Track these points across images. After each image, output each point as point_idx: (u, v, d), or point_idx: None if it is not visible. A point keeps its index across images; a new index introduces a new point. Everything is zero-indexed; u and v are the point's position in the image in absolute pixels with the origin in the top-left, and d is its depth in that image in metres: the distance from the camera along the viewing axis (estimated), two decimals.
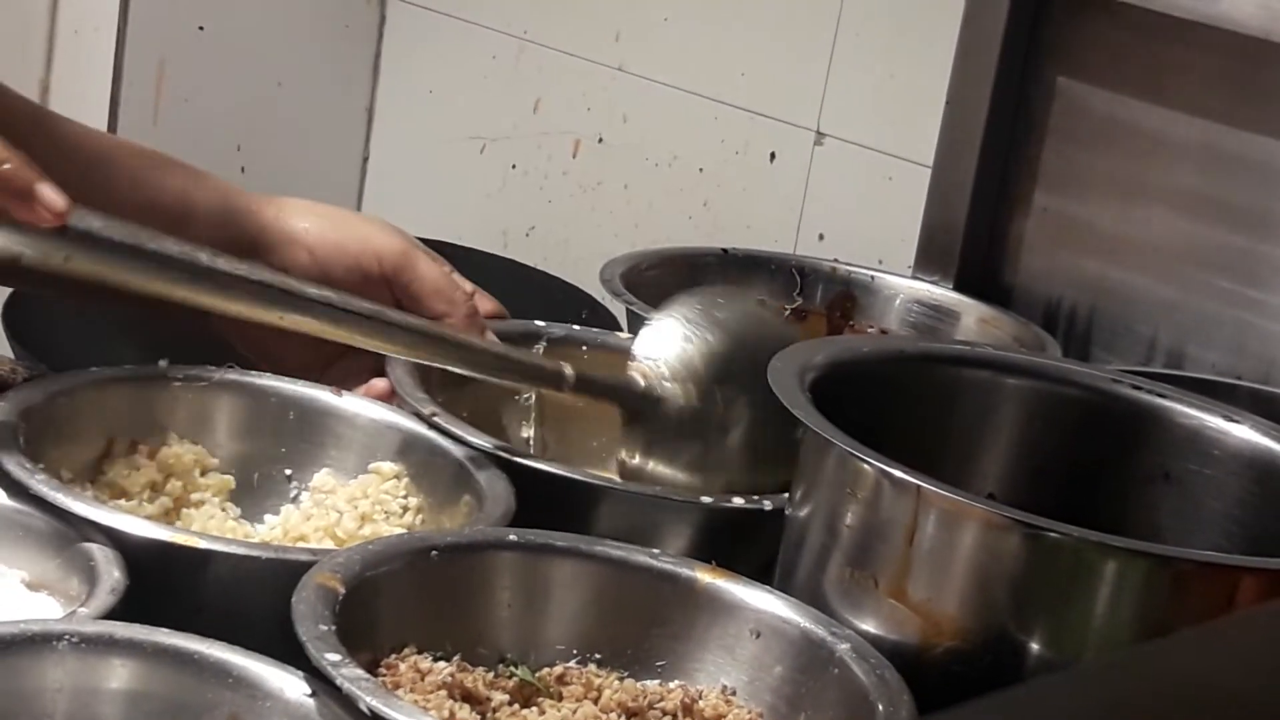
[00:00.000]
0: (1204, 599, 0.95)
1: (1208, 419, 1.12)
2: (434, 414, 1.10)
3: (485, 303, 1.24)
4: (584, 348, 1.24)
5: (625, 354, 1.18)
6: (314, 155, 2.15)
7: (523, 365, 1.14)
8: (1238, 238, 1.42)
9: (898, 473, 0.96)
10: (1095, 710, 0.55)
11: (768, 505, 1.09)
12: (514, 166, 2.03)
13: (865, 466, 0.98)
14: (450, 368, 1.11)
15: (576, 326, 1.29)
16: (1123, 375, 1.16)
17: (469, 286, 1.23)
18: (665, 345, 1.16)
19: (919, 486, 0.96)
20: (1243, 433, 1.11)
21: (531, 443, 1.23)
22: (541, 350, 1.24)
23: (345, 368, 1.18)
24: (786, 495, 1.08)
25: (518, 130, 2.03)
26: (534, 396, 1.23)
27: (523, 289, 1.71)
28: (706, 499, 1.10)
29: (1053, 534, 0.94)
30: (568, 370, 1.13)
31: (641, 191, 1.92)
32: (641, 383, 1.14)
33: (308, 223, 1.20)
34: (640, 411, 1.14)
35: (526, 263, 1.91)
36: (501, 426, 1.21)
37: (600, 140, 1.95)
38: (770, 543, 1.07)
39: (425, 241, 1.60)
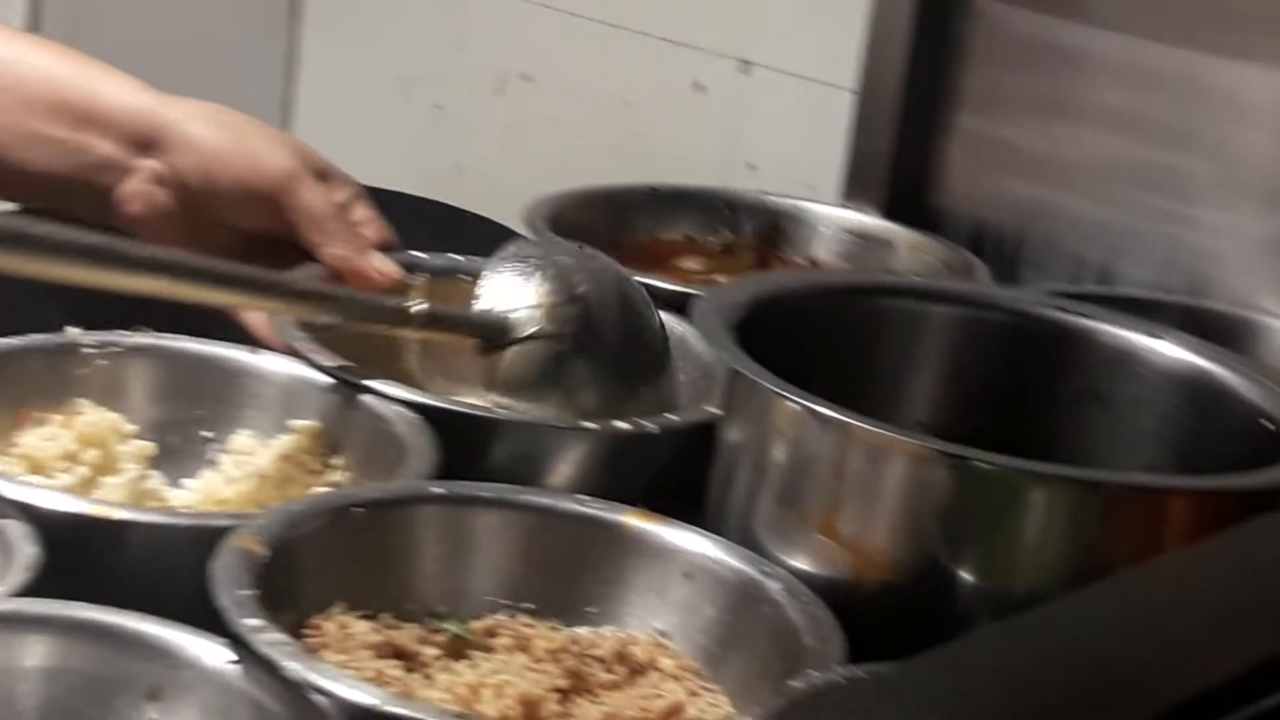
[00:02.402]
0: (1134, 521, 0.94)
1: (1134, 338, 1.12)
2: (343, 366, 1.09)
3: (375, 232, 1.23)
4: (467, 277, 1.22)
5: None
6: (235, 102, 2.12)
7: (365, 306, 1.12)
8: (1163, 154, 1.42)
9: (823, 409, 0.95)
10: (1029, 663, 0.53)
11: (654, 428, 1.08)
12: (439, 106, 2.01)
13: (791, 404, 0.97)
14: (291, 314, 1.11)
15: (460, 256, 1.26)
16: (1048, 298, 1.16)
17: (361, 214, 1.22)
18: (512, 281, 1.15)
19: (845, 423, 0.95)
20: (1170, 350, 1.11)
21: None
22: (424, 281, 1.23)
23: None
24: (672, 418, 1.08)
25: (442, 69, 2.01)
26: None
27: (450, 230, 1.70)
28: (594, 425, 1.09)
29: (980, 464, 0.93)
30: (414, 307, 1.11)
31: (569, 127, 1.91)
32: (492, 312, 1.14)
33: (207, 130, 1.20)
34: (492, 340, 1.13)
35: (454, 204, 1.90)
36: (394, 367, 1.20)
37: (525, 77, 1.94)
38: (656, 465, 1.08)
39: None
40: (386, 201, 1.67)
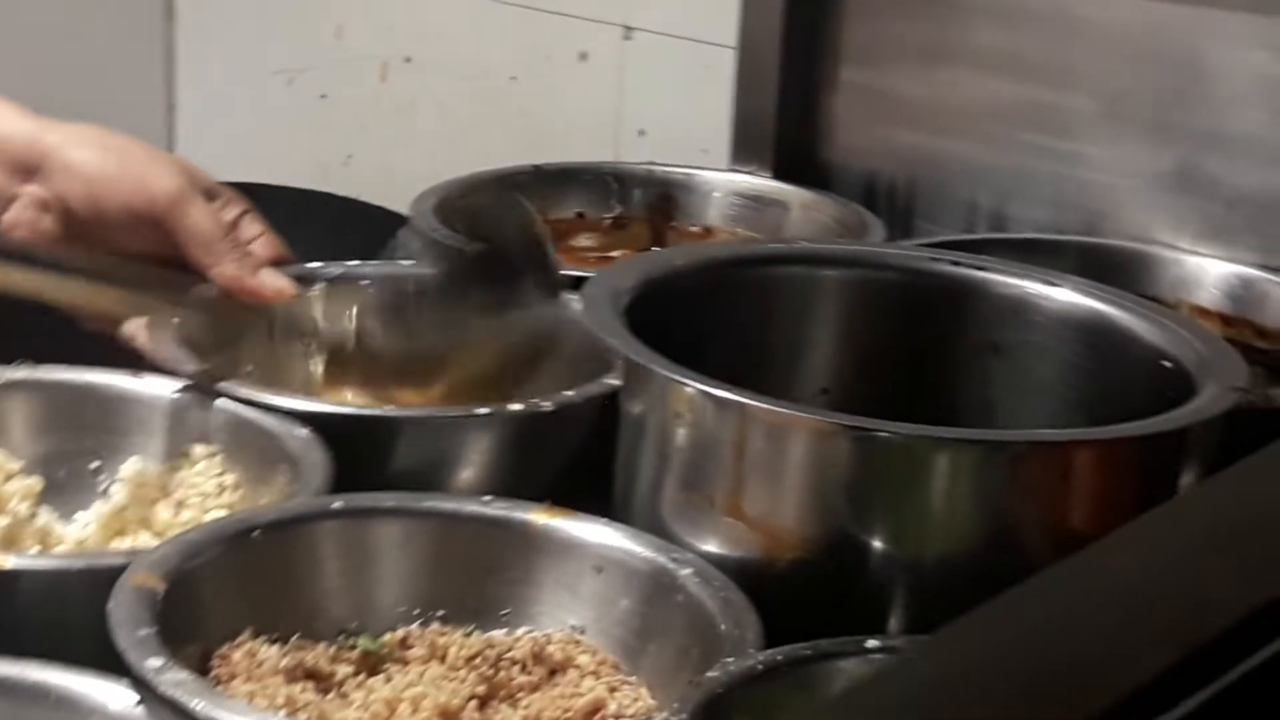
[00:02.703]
0: (1042, 476, 0.94)
1: (1028, 286, 1.11)
2: (230, 381, 1.08)
3: (267, 248, 1.21)
4: (364, 283, 1.21)
5: (413, 281, 1.20)
6: (118, 109, 2.09)
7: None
8: (1044, 92, 1.41)
9: (720, 391, 0.94)
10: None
11: (547, 406, 1.08)
12: (324, 96, 1.99)
13: (687, 388, 0.95)
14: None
15: (355, 262, 1.25)
16: (940, 253, 1.15)
17: (252, 232, 1.20)
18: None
19: (742, 403, 0.94)
20: (1064, 296, 1.10)
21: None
22: (321, 291, 1.21)
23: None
24: (569, 395, 1.09)
25: (323, 59, 1.98)
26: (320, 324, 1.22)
27: (343, 222, 1.68)
28: (483, 410, 1.08)
29: (881, 434, 0.92)
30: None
31: (456, 108, 1.89)
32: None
33: (89, 154, 1.18)
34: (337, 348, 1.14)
35: (348, 194, 1.88)
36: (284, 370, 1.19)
37: (408, 60, 1.91)
38: (564, 445, 1.08)
39: (238, 184, 1.57)
40: (276, 197, 1.65)
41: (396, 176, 1.93)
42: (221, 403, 1.07)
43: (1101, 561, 0.51)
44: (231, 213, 1.21)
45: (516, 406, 1.07)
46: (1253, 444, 1.09)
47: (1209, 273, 1.35)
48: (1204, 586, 0.47)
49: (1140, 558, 0.51)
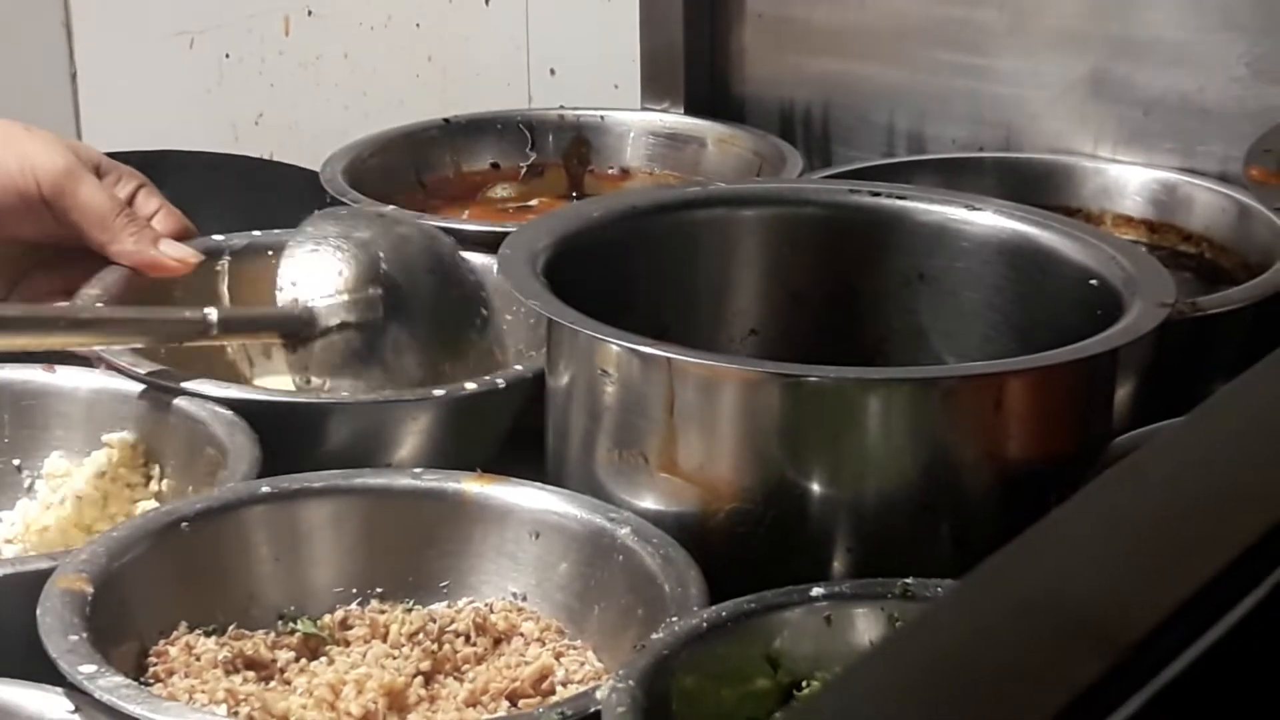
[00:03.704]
0: (975, 410, 0.93)
1: (950, 212, 1.10)
2: (151, 372, 1.05)
3: (167, 222, 1.18)
4: (270, 253, 1.18)
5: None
6: (18, 79, 2.05)
7: (160, 324, 1.08)
8: (954, 8, 1.39)
9: (644, 348, 0.93)
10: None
11: (501, 383, 1.06)
12: (228, 55, 1.95)
13: (612, 346, 0.94)
14: (81, 348, 1.07)
15: (258, 232, 1.23)
16: (860, 184, 1.13)
17: (150, 207, 1.17)
18: (312, 265, 1.12)
19: (668, 358, 0.92)
20: (986, 219, 1.09)
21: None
22: (226, 265, 1.19)
23: (34, 285, 1.15)
24: (519, 368, 1.07)
25: (224, 17, 1.95)
26: (227, 297, 1.20)
27: (255, 183, 1.65)
28: (439, 391, 1.06)
29: (811, 378, 0.91)
30: (211, 316, 1.07)
31: (363, 59, 1.86)
32: (292, 306, 1.11)
33: None
34: (298, 334, 1.10)
35: (261, 154, 1.85)
36: (212, 357, 1.16)
37: (310, 14, 1.88)
38: (506, 420, 1.06)
39: (145, 153, 1.54)
40: (187, 162, 1.63)
41: (308, 130, 1.90)
42: (142, 390, 1.05)
43: (1015, 568, 0.49)
44: (126, 188, 1.18)
45: (440, 391, 1.05)
46: (1185, 350, 1.10)
47: (1131, 180, 1.34)
48: (1122, 590, 0.46)
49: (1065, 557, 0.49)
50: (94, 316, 1.08)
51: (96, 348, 1.07)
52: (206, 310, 1.07)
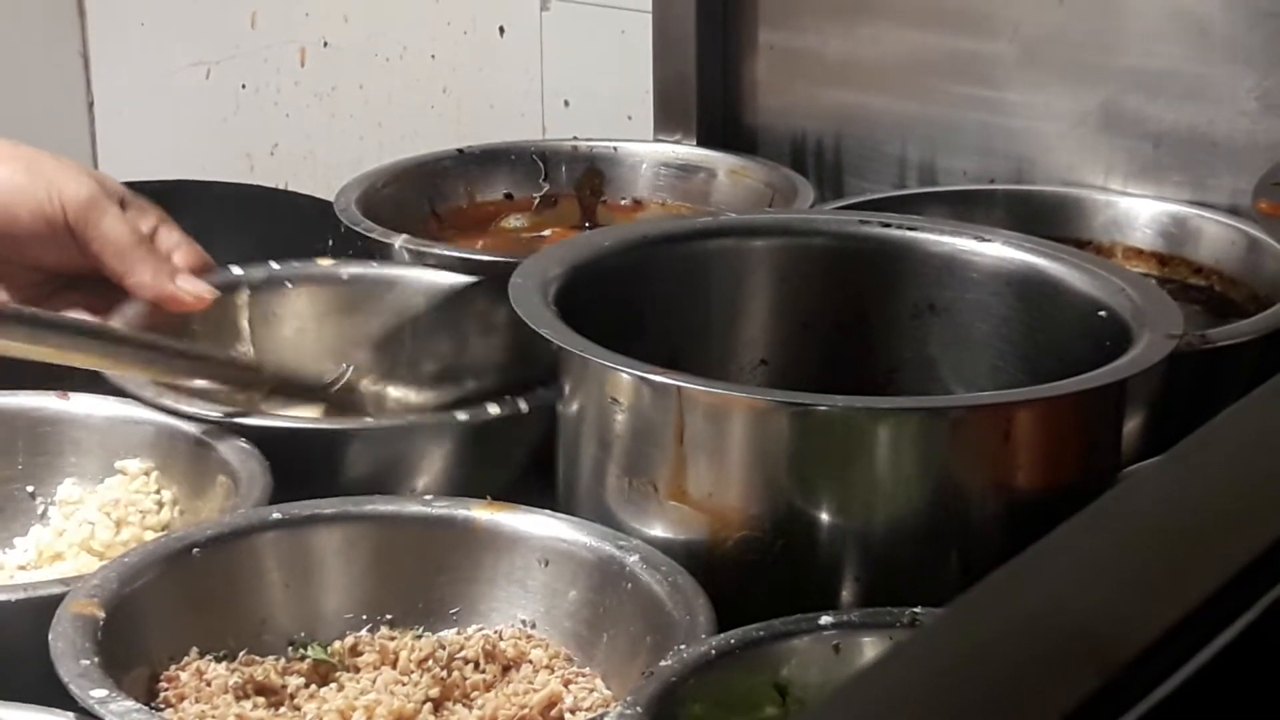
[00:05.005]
0: (983, 439, 0.93)
1: (960, 243, 1.10)
2: (164, 399, 1.06)
3: (186, 256, 1.19)
4: (288, 284, 1.19)
5: (332, 282, 1.19)
6: (36, 108, 2.07)
7: (213, 365, 1.10)
8: (964, 41, 1.40)
9: (654, 376, 0.93)
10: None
11: (524, 407, 1.07)
12: (244, 86, 1.97)
13: (622, 375, 0.94)
14: (127, 372, 1.07)
15: (276, 264, 1.23)
16: (870, 215, 1.14)
17: (170, 241, 1.18)
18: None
19: (679, 386, 0.93)
20: (995, 251, 1.09)
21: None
22: (247, 298, 1.20)
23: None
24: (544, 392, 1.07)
25: (240, 49, 1.96)
26: (248, 330, 1.21)
27: (269, 213, 1.66)
28: (462, 415, 1.06)
29: (820, 408, 0.91)
30: (265, 371, 1.09)
31: (378, 90, 1.87)
32: (332, 375, 1.13)
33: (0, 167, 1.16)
34: (341, 403, 1.12)
35: (275, 184, 1.86)
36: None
37: (326, 45, 1.90)
38: (533, 441, 1.07)
39: (162, 182, 1.55)
40: (201, 193, 1.64)
41: (323, 160, 1.91)
42: (154, 417, 1.05)
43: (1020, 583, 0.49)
44: (148, 222, 1.19)
45: (462, 416, 1.06)
46: (1194, 382, 1.10)
47: (1141, 213, 1.34)
48: (1118, 608, 0.46)
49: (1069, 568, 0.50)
50: (147, 341, 1.08)
51: (137, 373, 1.07)
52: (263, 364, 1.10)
